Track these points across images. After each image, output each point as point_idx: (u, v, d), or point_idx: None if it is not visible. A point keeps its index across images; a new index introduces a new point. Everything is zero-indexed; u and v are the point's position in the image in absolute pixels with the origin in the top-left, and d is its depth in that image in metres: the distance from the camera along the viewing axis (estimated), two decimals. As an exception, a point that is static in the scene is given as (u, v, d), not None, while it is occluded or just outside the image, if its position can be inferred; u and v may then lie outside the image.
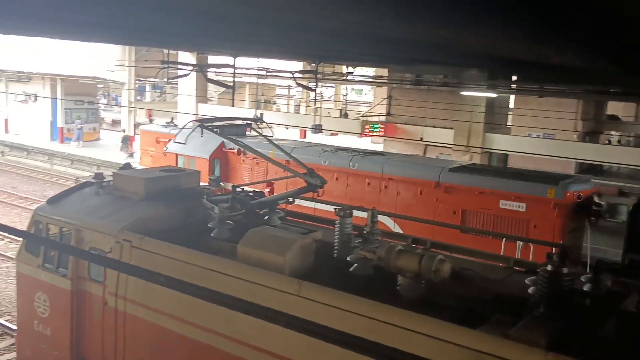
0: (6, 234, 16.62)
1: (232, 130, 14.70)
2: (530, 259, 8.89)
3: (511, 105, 23.97)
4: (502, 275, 5.96)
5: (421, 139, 18.92)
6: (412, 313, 4.73)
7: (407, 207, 12.07)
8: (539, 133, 20.96)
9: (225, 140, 15.56)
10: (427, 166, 12.88)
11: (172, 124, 20.16)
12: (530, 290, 4.91)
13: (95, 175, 8.13)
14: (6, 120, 36.45)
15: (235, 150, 15.76)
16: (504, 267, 6.40)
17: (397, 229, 11.64)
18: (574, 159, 18.78)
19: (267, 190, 14.18)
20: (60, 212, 7.60)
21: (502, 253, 9.73)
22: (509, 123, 23.18)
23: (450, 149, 19.51)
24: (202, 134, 8.04)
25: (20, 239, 7.46)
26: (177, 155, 16.65)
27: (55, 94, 33.05)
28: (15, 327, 10.02)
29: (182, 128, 15.21)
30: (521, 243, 10.23)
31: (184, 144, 11.47)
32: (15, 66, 32.43)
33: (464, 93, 18.53)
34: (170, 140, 17.16)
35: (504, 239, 10.54)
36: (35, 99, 33.26)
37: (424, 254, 5.21)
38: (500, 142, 19.57)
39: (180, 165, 16.32)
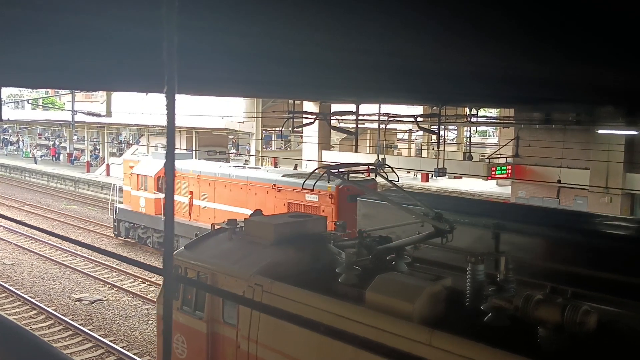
0: (146, 277, 17.82)
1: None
2: None
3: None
4: None
5: (559, 181, 17.95)
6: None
7: (261, 202, 17.56)
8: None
9: None
10: (271, 173, 19.17)
11: (146, 154, 26.73)
12: None
13: (228, 221, 8.53)
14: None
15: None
16: None
17: None
18: None
19: (189, 196, 20.48)
20: (197, 256, 8.02)
21: None
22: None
23: (587, 190, 18.29)
24: (328, 180, 8.22)
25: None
26: (137, 175, 22.05)
27: (191, 145, 35.52)
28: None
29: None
30: None
31: (312, 190, 13.23)
32: (156, 121, 35.38)
33: (600, 131, 17.41)
34: (136, 165, 22.80)
35: None
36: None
37: (567, 304, 4.84)
38: (643, 183, 18.03)
39: (141, 182, 21.88)
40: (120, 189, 23.43)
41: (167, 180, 1.09)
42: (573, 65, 4.36)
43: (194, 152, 34.44)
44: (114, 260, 19.53)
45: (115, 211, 22.92)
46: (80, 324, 14.29)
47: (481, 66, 4.48)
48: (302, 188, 15.33)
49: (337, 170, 8.12)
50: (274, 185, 17.72)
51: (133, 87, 10.56)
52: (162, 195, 20.54)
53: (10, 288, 16.92)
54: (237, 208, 18.41)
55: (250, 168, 21.44)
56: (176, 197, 21.41)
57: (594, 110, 16.33)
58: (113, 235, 23.35)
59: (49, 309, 15.23)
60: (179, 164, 21.09)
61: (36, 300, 15.91)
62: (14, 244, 22.35)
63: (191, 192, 20.42)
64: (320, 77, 6.31)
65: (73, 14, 2.36)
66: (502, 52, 3.65)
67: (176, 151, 25.52)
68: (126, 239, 22.69)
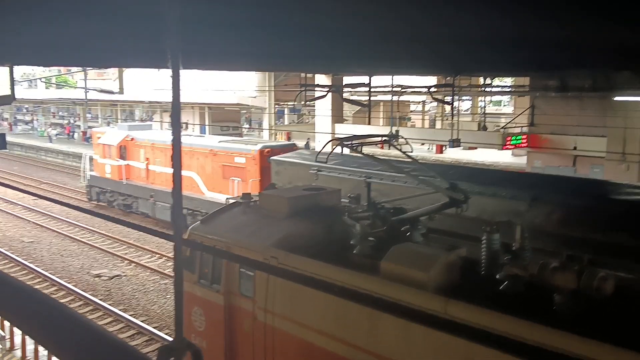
0: (163, 253, 18.02)
1: None
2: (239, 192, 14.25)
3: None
4: None
5: (574, 149, 17.75)
6: (575, 335, 4.38)
7: (201, 165, 20.62)
8: None
9: (129, 132, 24.11)
10: (209, 140, 22.05)
11: (114, 126, 29.54)
12: None
13: (243, 195, 8.55)
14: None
15: (131, 139, 23.70)
16: None
17: (202, 184, 20.70)
18: None
19: (145, 162, 22.94)
20: (213, 230, 8.08)
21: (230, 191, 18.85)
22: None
23: (604, 158, 18.07)
24: (342, 151, 8.19)
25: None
26: (103, 145, 24.59)
27: (204, 121, 35.57)
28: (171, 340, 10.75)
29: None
30: (237, 179, 19.07)
31: (325, 162, 13.06)
32: (169, 97, 35.36)
33: (617, 98, 17.11)
34: (102, 136, 25.31)
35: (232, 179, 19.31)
36: (186, 127, 36.04)
37: (584, 270, 4.82)
38: (661, 149, 17.75)
39: (106, 151, 24.30)
40: (91, 159, 26.25)
41: (174, 154, 1.12)
42: (591, 25, 4.25)
43: (207, 127, 34.52)
44: (131, 236, 19.76)
45: (87, 178, 25.96)
46: (100, 299, 14.55)
47: (494, 29, 4.39)
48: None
49: (350, 142, 8.07)
50: (211, 150, 20.41)
51: (144, 63, 10.52)
52: (123, 162, 23.75)
53: (31, 265, 17.22)
54: (182, 172, 21.09)
55: (193, 136, 24.44)
56: (135, 164, 23.35)
57: (610, 76, 16.04)
58: (87, 200, 25.92)
59: (69, 285, 15.50)
60: (137, 134, 23.88)
61: (56, 277, 16.19)
62: (33, 222, 22.68)
63: (147, 159, 23.04)
64: (329, 48, 6.22)
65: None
66: (515, 12, 3.56)
67: (138, 123, 28.53)
68: (98, 203, 25.35)
